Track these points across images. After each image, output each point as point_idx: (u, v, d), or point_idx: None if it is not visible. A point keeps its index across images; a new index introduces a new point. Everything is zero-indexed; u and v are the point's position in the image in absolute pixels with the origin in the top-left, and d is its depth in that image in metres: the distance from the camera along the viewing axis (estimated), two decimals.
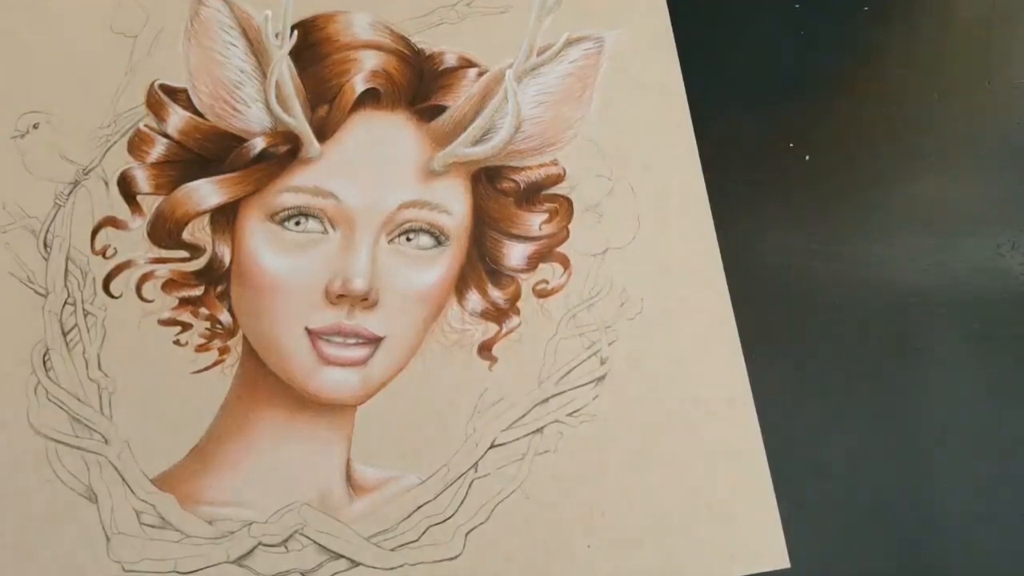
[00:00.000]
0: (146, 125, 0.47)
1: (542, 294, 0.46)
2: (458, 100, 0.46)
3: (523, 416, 0.44)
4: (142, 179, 0.46)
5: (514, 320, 0.45)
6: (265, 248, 0.45)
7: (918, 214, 0.46)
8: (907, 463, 0.44)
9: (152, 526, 0.43)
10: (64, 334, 0.45)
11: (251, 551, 0.43)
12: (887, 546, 0.43)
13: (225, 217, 0.46)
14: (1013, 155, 0.47)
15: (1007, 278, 0.44)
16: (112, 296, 0.45)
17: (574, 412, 0.44)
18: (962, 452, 0.44)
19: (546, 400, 0.45)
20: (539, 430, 0.44)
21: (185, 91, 0.47)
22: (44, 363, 0.45)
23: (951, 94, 0.47)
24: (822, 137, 0.46)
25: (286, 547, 0.43)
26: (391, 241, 0.45)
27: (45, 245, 0.46)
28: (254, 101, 0.46)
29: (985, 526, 0.43)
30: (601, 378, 0.44)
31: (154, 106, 0.47)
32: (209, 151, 0.46)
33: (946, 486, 0.43)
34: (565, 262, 0.46)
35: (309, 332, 0.44)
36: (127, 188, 0.46)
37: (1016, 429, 0.44)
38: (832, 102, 0.47)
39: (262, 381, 0.45)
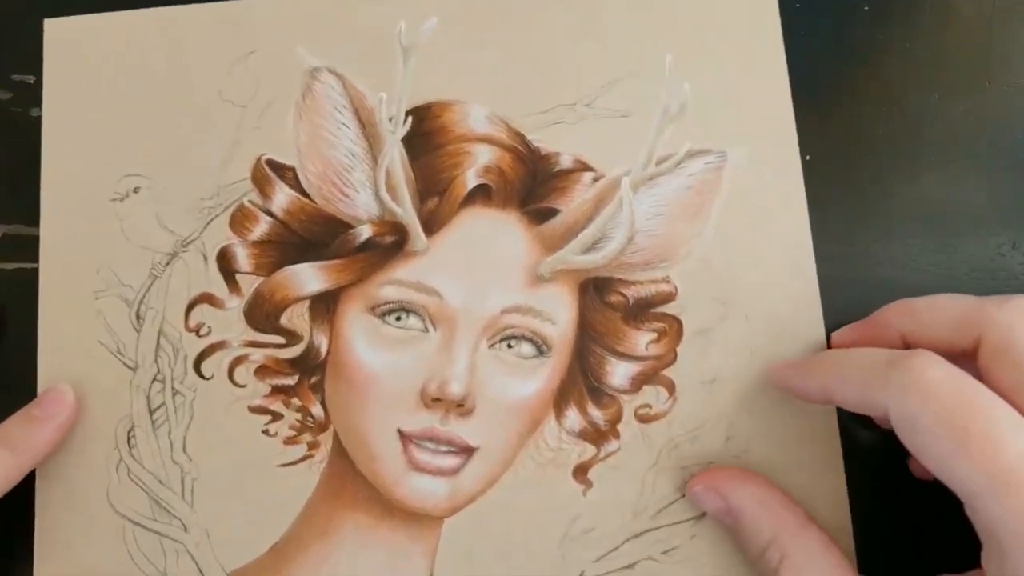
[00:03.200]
0: (250, 201, 0.45)
1: (644, 419, 0.44)
2: (571, 204, 0.45)
3: (615, 549, 0.43)
4: (242, 257, 0.45)
5: (613, 444, 0.44)
6: (363, 341, 0.44)
7: (918, 214, 0.45)
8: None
9: None
10: (151, 412, 0.44)
11: None
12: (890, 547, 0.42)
13: (325, 305, 0.45)
14: (1013, 155, 0.46)
15: (1007, 278, 0.43)
16: (203, 377, 0.44)
17: (669, 551, 0.43)
18: None
19: (640, 535, 0.43)
20: (631, 565, 0.43)
21: (292, 169, 0.46)
22: (128, 440, 0.44)
23: (951, 94, 0.46)
24: (822, 137, 0.45)
25: None
26: (492, 346, 0.44)
27: (138, 316, 0.45)
28: (363, 186, 0.45)
29: None
30: (700, 517, 0.43)
31: (260, 181, 0.46)
32: (313, 234, 0.45)
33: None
34: (671, 387, 0.44)
35: (401, 435, 0.43)
36: (226, 265, 0.45)
37: None
38: (832, 102, 0.46)
39: (349, 482, 0.44)
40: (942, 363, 0.34)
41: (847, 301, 0.44)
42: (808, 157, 0.45)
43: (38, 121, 0.47)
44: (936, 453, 0.34)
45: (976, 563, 0.35)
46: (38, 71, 0.47)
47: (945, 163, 0.46)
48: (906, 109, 0.47)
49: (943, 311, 0.39)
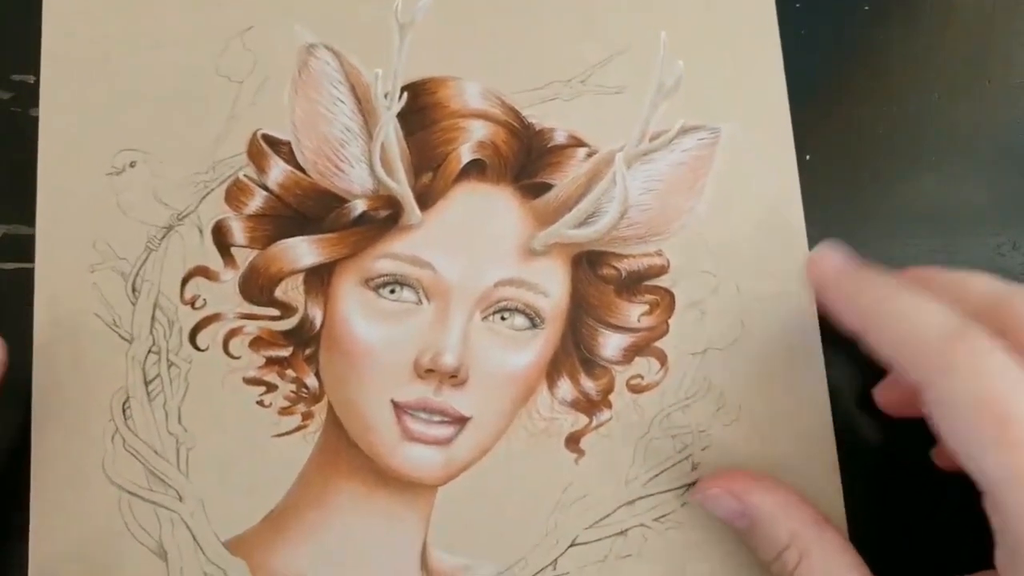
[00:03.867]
0: (246, 175, 0.46)
1: (636, 389, 0.44)
2: (565, 179, 0.45)
3: (607, 516, 0.43)
4: (238, 230, 0.45)
5: (605, 414, 0.44)
6: (358, 314, 0.44)
7: (918, 214, 0.46)
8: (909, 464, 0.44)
9: None
10: (146, 383, 0.44)
11: None
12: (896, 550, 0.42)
13: (319, 278, 0.45)
14: (1013, 155, 0.46)
15: (1007, 278, 0.43)
16: (198, 348, 0.45)
17: (661, 517, 0.43)
18: None
19: (632, 502, 0.44)
20: (623, 532, 0.43)
21: (288, 143, 0.46)
22: (124, 411, 0.44)
23: (951, 94, 0.47)
24: (822, 137, 0.46)
25: None
26: (485, 319, 0.44)
27: (133, 289, 0.45)
28: (358, 161, 0.45)
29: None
30: (692, 484, 0.43)
31: (255, 156, 0.46)
32: (308, 208, 0.45)
33: (949, 488, 0.42)
34: (662, 358, 0.44)
35: (395, 405, 0.43)
36: (222, 238, 0.45)
37: None
38: (832, 102, 0.47)
39: (344, 452, 0.44)
40: (1004, 352, 0.31)
41: None
42: (808, 157, 0.46)
43: (37, 121, 0.47)
44: (969, 438, 0.32)
45: (979, 565, 0.35)
46: (38, 71, 0.47)
47: (945, 163, 0.47)
48: (906, 109, 0.47)
49: (967, 295, 0.36)
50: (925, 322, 0.33)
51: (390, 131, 0.45)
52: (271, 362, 0.45)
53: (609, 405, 0.44)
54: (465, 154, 0.45)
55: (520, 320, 0.44)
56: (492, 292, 0.44)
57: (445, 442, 0.43)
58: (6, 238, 0.46)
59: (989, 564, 0.34)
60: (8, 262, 0.46)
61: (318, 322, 0.45)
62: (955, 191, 0.46)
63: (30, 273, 0.45)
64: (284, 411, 0.44)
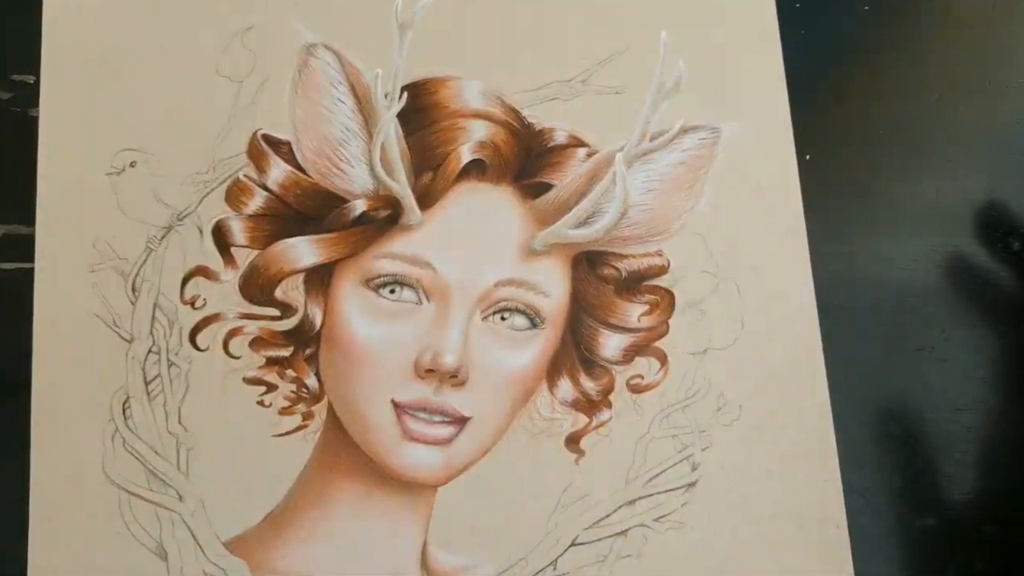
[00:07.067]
0: (245, 175, 0.46)
1: (636, 389, 0.44)
2: (565, 179, 0.45)
3: (607, 516, 0.43)
4: (238, 230, 0.45)
5: (605, 414, 0.44)
6: (358, 314, 0.44)
7: (918, 214, 0.46)
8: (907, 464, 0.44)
9: None
10: (146, 383, 0.44)
11: None
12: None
13: (319, 278, 0.45)
14: (1013, 155, 0.46)
15: (1007, 279, 0.43)
16: (198, 348, 0.45)
17: (661, 517, 0.43)
18: (964, 453, 0.44)
19: (632, 502, 0.44)
20: (623, 532, 0.43)
21: (288, 143, 0.46)
22: (124, 411, 0.44)
23: (951, 94, 0.47)
24: (822, 137, 0.46)
25: None
26: (485, 319, 0.44)
27: (133, 289, 0.45)
28: (358, 161, 0.45)
29: (991, 528, 0.43)
30: (692, 484, 0.43)
31: (255, 156, 0.46)
32: (308, 208, 0.45)
33: (948, 487, 0.43)
34: (663, 358, 0.44)
35: (395, 405, 0.43)
36: (222, 238, 0.45)
37: (1021, 431, 0.44)
38: (832, 102, 0.47)
39: (344, 452, 0.44)
40: None
41: (847, 301, 0.45)
42: (808, 157, 0.46)
43: (37, 121, 0.47)
44: None
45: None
46: (37, 71, 0.47)
47: (945, 163, 0.47)
48: (906, 109, 0.47)
49: None
50: None
51: (390, 131, 0.45)
52: (271, 362, 0.45)
53: (609, 405, 0.44)
54: (465, 154, 0.45)
55: (520, 320, 0.44)
56: (492, 292, 0.44)
57: (445, 442, 0.43)
58: (6, 238, 0.46)
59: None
60: (8, 262, 0.46)
61: (318, 322, 0.45)
62: (955, 191, 0.46)
63: (30, 273, 0.45)
64: (284, 411, 0.44)
